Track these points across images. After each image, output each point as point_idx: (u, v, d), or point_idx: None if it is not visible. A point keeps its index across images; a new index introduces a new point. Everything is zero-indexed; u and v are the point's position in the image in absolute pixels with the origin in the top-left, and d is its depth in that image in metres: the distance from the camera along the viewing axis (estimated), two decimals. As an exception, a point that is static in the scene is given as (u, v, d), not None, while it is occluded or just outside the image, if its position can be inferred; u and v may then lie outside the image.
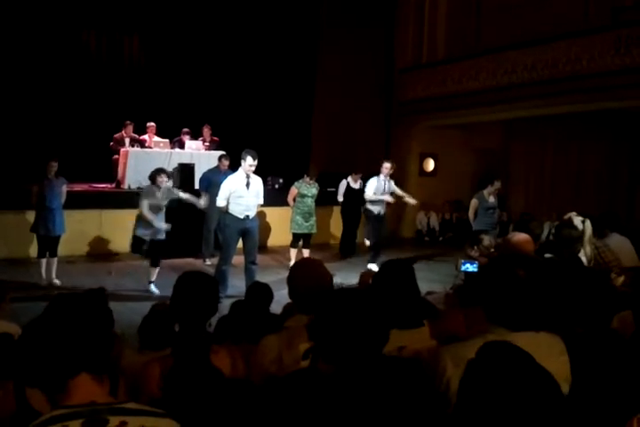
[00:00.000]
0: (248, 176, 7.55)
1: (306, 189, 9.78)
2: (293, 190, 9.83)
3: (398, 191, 10.11)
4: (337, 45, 13.73)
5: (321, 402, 1.74)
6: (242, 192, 7.52)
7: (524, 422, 1.44)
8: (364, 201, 10.11)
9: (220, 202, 7.59)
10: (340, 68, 13.73)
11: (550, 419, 1.45)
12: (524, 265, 2.38)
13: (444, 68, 13.55)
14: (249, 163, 7.42)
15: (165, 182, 8.01)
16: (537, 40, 11.40)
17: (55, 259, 8.32)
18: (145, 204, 7.80)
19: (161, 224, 7.84)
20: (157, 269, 8.05)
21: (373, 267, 9.15)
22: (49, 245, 8.25)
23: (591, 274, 2.84)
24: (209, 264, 9.73)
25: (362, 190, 10.34)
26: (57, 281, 8.26)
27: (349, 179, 11.21)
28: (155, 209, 7.86)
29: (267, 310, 4.25)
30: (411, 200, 10.20)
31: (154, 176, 7.95)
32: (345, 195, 11.20)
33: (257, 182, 7.70)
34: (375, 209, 9.90)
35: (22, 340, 1.63)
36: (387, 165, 9.79)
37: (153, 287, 8.00)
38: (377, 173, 9.92)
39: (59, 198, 8.26)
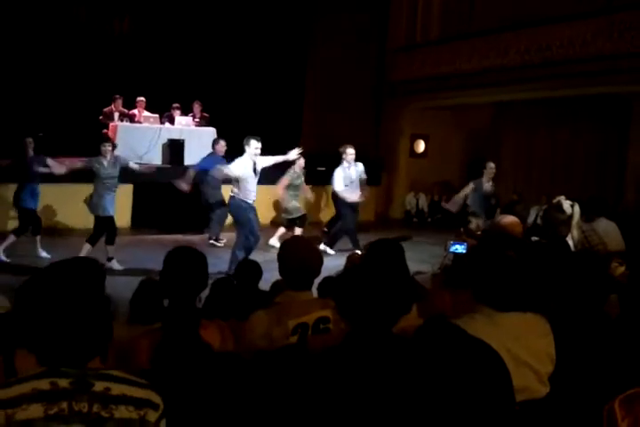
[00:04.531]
0: (255, 162, 7.54)
1: (296, 179, 9.82)
2: (285, 181, 9.74)
3: (364, 177, 9.48)
4: (329, 24, 13.63)
5: (309, 376, 1.76)
6: (250, 178, 7.55)
7: None
8: None
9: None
10: (332, 47, 13.63)
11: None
12: (512, 247, 2.41)
13: (438, 48, 13.45)
14: (254, 146, 7.41)
15: (110, 152, 8.03)
16: (531, 22, 11.33)
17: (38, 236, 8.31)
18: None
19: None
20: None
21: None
22: (34, 220, 8.25)
23: (585, 257, 2.87)
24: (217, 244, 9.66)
25: None
26: (45, 254, 8.21)
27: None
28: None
29: (255, 287, 4.28)
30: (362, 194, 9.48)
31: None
32: None
33: (260, 165, 7.68)
34: (351, 197, 9.26)
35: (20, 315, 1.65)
36: (351, 151, 9.17)
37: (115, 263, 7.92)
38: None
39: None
